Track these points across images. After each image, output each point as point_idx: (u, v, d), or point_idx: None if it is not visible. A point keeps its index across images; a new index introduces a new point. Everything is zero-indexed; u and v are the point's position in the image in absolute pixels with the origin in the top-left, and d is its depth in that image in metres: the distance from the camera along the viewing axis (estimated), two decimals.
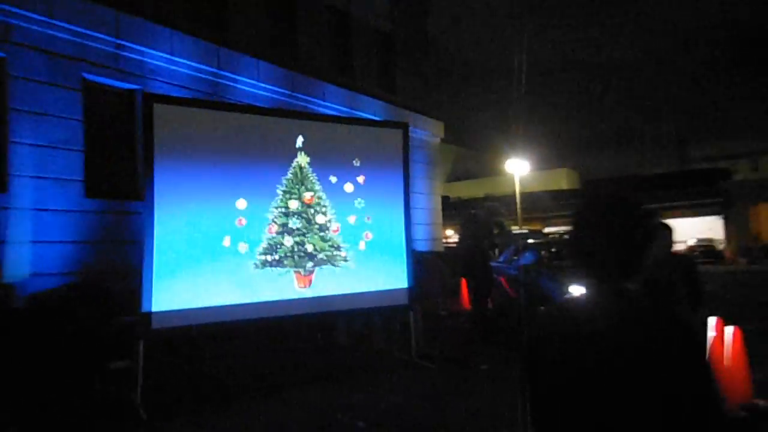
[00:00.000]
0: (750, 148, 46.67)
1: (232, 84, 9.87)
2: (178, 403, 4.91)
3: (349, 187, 5.89)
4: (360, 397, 5.16)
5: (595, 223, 1.19)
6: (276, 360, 5.87)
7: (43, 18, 6.88)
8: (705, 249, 27.54)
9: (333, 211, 5.78)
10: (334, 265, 5.73)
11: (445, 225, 19.56)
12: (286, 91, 11.03)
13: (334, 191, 5.79)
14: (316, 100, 11.75)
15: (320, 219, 5.67)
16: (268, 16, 11.00)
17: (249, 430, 4.41)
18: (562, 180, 43.35)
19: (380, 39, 14.45)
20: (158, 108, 4.88)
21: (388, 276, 6.08)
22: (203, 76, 9.30)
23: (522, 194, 22.20)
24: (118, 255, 7.25)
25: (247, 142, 5.33)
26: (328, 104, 12.05)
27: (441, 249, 14.41)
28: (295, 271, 5.48)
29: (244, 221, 5.22)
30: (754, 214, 29.09)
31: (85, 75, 7.53)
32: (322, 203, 5.69)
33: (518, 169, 16.99)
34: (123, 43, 7.88)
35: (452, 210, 26.33)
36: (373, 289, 5.94)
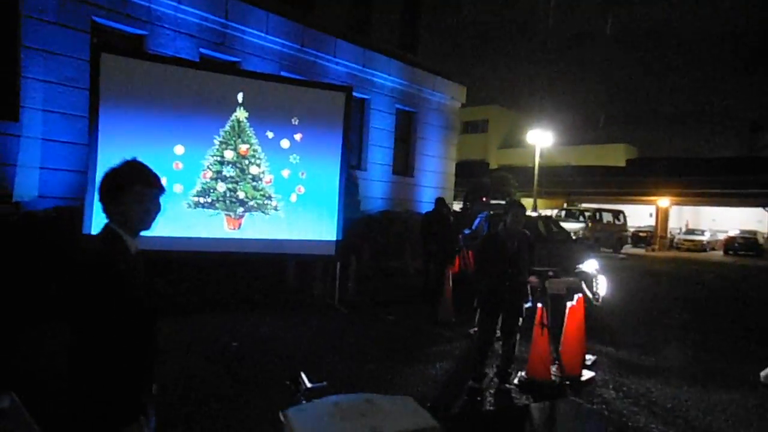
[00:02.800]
0: None
1: (239, 35, 10.26)
2: None
3: (285, 143, 6.37)
4: (255, 326, 5.79)
5: None
6: (208, 289, 6.67)
7: None
8: (745, 241, 25.03)
9: (267, 163, 6.30)
10: (264, 212, 6.32)
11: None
12: (296, 45, 11.27)
13: (270, 145, 6.29)
14: (326, 56, 11.92)
15: (254, 170, 6.23)
16: None
17: None
18: (619, 155, 41.12)
19: None
20: (108, 57, 5.52)
21: (317, 228, 6.60)
22: (210, 25, 9.75)
23: (548, 168, 21.62)
24: None
25: (189, 94, 5.88)
26: (339, 61, 12.20)
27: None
28: (225, 214, 6.13)
29: (180, 165, 5.88)
30: None
31: (95, 18, 8.26)
32: (257, 156, 6.22)
33: (540, 140, 16.57)
34: None
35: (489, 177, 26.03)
36: (301, 238, 6.51)
